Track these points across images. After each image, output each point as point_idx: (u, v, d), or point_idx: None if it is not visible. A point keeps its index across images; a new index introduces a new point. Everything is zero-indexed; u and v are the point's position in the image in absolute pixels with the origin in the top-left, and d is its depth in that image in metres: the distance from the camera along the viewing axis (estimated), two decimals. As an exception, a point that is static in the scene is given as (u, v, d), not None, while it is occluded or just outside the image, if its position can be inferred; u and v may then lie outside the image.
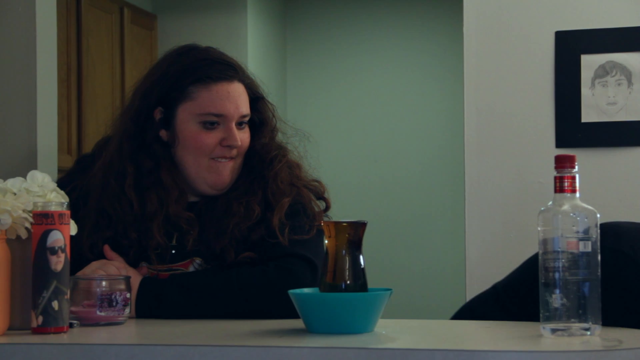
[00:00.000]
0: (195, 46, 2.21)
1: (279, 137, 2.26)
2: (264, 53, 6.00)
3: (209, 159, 2.13)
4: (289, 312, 1.86)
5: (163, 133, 2.15)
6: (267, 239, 2.09)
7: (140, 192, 2.12)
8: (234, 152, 2.14)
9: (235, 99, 2.13)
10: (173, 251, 2.12)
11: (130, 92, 2.24)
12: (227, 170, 2.14)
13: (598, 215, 1.58)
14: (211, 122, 2.12)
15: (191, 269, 2.11)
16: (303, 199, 2.17)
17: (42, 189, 1.74)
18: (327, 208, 2.22)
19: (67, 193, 2.05)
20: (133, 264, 2.09)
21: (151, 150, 2.14)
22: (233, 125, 2.13)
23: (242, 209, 2.11)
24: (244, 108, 2.15)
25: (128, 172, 2.12)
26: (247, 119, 2.17)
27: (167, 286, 2.03)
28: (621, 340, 1.60)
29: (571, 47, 3.34)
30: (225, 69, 2.15)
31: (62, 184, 2.14)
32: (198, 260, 2.11)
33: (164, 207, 2.11)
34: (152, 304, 1.99)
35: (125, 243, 2.10)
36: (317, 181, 2.25)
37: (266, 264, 2.05)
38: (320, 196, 2.22)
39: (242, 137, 2.16)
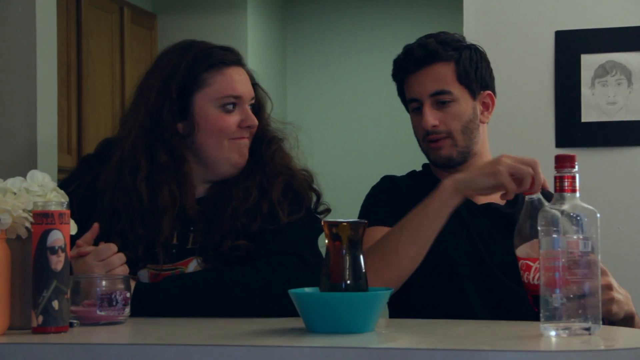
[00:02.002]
0: (194, 40, 2.28)
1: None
2: (264, 53, 6.00)
3: (229, 139, 2.19)
4: (282, 310, 1.88)
5: (180, 126, 2.19)
6: (264, 230, 2.12)
7: (152, 186, 2.14)
8: (251, 131, 2.22)
9: (246, 81, 2.23)
10: (174, 250, 2.14)
11: (135, 90, 2.26)
12: (245, 148, 2.22)
13: (598, 215, 1.58)
14: (231, 104, 2.19)
15: (190, 267, 2.12)
16: (296, 180, 2.23)
17: (42, 189, 1.74)
18: (318, 198, 2.25)
19: (73, 190, 2.08)
20: (141, 260, 2.11)
21: (169, 145, 2.17)
22: (247, 106, 2.22)
23: (241, 193, 2.17)
24: (252, 90, 2.25)
25: (142, 166, 2.15)
26: (254, 101, 2.26)
27: (160, 289, 2.04)
28: (621, 340, 1.60)
29: (571, 46, 3.34)
30: (232, 54, 2.25)
31: (66, 183, 2.16)
32: (197, 260, 2.12)
33: (177, 201, 2.14)
34: (145, 306, 2.00)
35: (132, 239, 2.11)
36: (306, 170, 2.29)
37: (258, 261, 2.06)
38: (310, 186, 2.25)
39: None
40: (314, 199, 2.25)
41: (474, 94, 2.24)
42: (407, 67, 2.25)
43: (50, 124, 3.34)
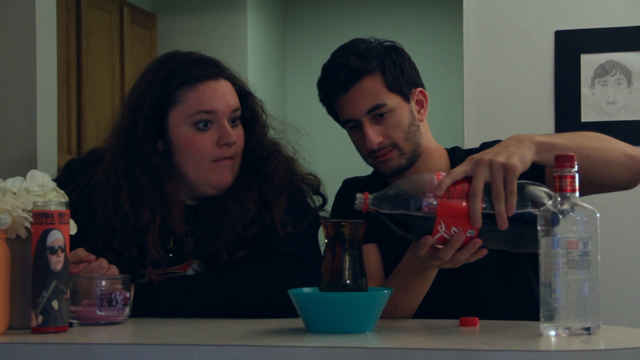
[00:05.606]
0: (176, 52, 2.21)
1: (270, 132, 2.25)
2: (264, 53, 6.00)
3: (209, 162, 2.11)
4: (282, 310, 1.88)
5: (159, 144, 2.14)
6: (261, 235, 2.10)
7: (136, 205, 2.10)
8: (232, 150, 2.13)
9: (223, 95, 2.12)
10: (170, 254, 2.13)
11: (120, 106, 2.22)
12: (227, 170, 2.13)
13: (598, 215, 1.58)
14: (203, 121, 2.10)
15: (189, 271, 2.11)
16: (299, 193, 2.18)
17: (41, 189, 1.74)
18: (324, 202, 2.23)
19: (69, 193, 2.05)
20: (136, 274, 2.09)
21: (149, 164, 2.11)
22: (225, 121, 2.12)
23: (237, 208, 2.11)
24: (234, 103, 2.14)
25: (123, 187, 2.10)
26: (238, 114, 2.16)
27: (160, 290, 2.03)
28: (621, 340, 1.60)
29: (571, 46, 3.34)
30: (209, 67, 2.14)
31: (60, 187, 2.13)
32: (195, 264, 2.11)
33: (157, 220, 2.09)
34: (146, 309, 1.99)
35: (127, 256, 2.09)
36: (312, 175, 2.24)
37: (258, 263, 2.05)
38: (316, 190, 2.23)
39: (237, 134, 2.15)
40: (319, 202, 2.22)
41: (407, 97, 2.18)
42: (334, 91, 2.16)
43: (50, 124, 3.34)
